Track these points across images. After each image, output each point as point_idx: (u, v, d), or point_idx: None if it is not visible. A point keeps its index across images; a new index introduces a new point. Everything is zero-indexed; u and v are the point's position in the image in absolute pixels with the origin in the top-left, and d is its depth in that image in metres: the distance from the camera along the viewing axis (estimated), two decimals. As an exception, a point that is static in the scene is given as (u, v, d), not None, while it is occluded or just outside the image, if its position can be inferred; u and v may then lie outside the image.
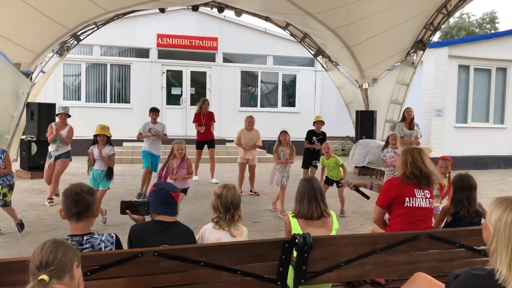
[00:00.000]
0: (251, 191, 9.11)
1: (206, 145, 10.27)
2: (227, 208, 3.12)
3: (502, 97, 14.67)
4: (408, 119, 9.48)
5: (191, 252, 2.62)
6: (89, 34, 11.76)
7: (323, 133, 9.02)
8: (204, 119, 10.05)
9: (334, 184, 7.52)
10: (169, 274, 2.60)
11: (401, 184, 3.71)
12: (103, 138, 6.52)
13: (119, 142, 14.62)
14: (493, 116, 14.59)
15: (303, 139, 9.15)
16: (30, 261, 1.81)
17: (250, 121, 9.04)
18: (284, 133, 7.50)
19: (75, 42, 11.72)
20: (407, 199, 3.64)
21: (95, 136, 6.56)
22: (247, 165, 9.09)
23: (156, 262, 2.56)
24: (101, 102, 15.52)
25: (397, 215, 3.69)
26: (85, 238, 2.57)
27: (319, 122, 8.98)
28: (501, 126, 14.64)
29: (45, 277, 1.72)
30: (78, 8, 8.84)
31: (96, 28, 11.68)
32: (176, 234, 2.94)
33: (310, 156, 8.94)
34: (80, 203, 2.58)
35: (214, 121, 10.41)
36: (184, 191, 6.50)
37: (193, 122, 10.35)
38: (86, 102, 15.32)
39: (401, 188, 3.70)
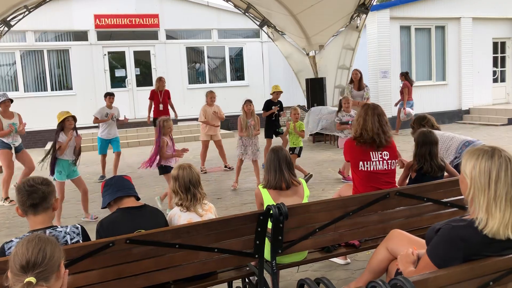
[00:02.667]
0: (225, 166, 9.03)
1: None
2: (187, 188, 3.01)
3: (443, 55, 15.20)
4: (355, 81, 9.55)
5: (165, 236, 2.52)
6: (20, 19, 11.00)
7: (280, 102, 9.06)
8: (162, 96, 10.07)
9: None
10: (143, 261, 2.49)
11: (357, 146, 3.69)
12: (72, 122, 5.79)
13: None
14: (435, 73, 15.13)
15: (256, 112, 9.08)
16: (12, 260, 1.65)
17: (211, 96, 8.93)
18: (248, 102, 7.40)
19: (6, 29, 10.94)
20: (360, 163, 3.64)
21: (61, 122, 5.76)
22: (210, 142, 8.97)
23: (129, 249, 2.45)
24: (41, 91, 14.69)
25: (357, 178, 3.74)
26: (47, 231, 2.40)
27: (278, 93, 8.98)
28: (443, 83, 15.23)
29: (32, 279, 1.58)
30: (6, -9, 8.23)
31: (27, 12, 10.94)
32: (147, 218, 2.81)
33: (271, 125, 8.96)
34: (35, 194, 2.40)
35: (170, 98, 10.37)
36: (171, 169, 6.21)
37: (149, 99, 10.22)
38: (24, 92, 14.44)
39: (356, 150, 3.68)
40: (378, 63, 13.93)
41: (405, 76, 12.52)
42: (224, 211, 6.04)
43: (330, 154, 10.05)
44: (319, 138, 12.16)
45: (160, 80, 10.13)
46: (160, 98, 10.04)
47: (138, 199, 2.89)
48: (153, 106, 10.11)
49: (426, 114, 4.82)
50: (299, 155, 7.54)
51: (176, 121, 14.62)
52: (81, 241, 2.46)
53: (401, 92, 12.37)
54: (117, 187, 2.82)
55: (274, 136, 8.93)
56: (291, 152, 7.62)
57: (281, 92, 9.05)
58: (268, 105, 9.02)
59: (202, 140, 9.02)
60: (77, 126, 6.01)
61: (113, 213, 2.79)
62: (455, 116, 15.29)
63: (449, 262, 1.91)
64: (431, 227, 2.12)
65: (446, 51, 15.13)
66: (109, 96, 8.76)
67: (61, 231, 2.43)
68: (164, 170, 6.07)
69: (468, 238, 1.91)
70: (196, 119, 15.47)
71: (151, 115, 10.09)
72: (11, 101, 7.33)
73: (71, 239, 2.43)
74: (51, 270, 1.65)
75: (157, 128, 6.17)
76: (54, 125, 6.65)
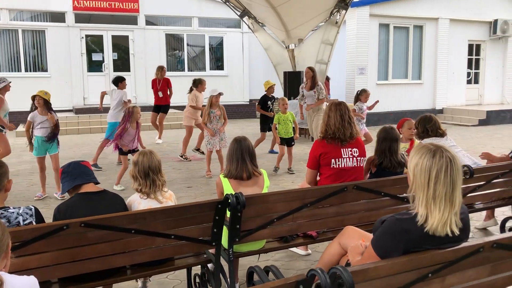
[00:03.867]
0: (197, 149, 9.04)
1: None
2: (146, 174, 3.02)
3: (419, 54, 15.44)
4: (307, 80, 9.38)
5: (120, 220, 2.53)
6: (-6, -3, 10.72)
7: (273, 97, 9.50)
8: (160, 84, 10.56)
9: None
10: (98, 244, 2.51)
11: (327, 144, 3.72)
12: (40, 100, 5.96)
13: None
14: (411, 72, 15.36)
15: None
16: None
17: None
18: (219, 95, 7.38)
19: (-22, 6, 10.66)
20: (333, 160, 3.66)
21: (32, 100, 6.06)
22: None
23: (84, 233, 2.46)
24: (15, 71, 14.37)
25: (326, 176, 3.73)
26: (-1, 212, 2.39)
27: (271, 88, 9.40)
28: (419, 82, 15.48)
29: None
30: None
31: (1, -10, 10.66)
32: (105, 203, 2.81)
33: (266, 119, 9.36)
34: None
35: (171, 86, 10.80)
36: (135, 151, 6.63)
37: (152, 88, 10.84)
38: (-3, 72, 14.14)
39: (327, 147, 3.70)
40: (356, 59, 14.07)
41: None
42: (193, 199, 6.06)
43: (305, 147, 10.14)
44: (294, 131, 12.22)
45: (162, 69, 10.58)
46: (159, 86, 10.56)
47: (96, 184, 2.89)
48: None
49: (432, 115, 4.65)
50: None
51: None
52: (34, 223, 2.46)
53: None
54: (75, 174, 2.81)
55: (267, 130, 9.24)
56: (285, 144, 7.72)
57: (274, 85, 9.51)
58: (264, 100, 9.34)
59: (186, 126, 8.96)
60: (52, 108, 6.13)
61: (70, 198, 2.78)
62: (429, 115, 15.55)
63: (390, 253, 1.99)
64: (379, 219, 2.19)
65: (423, 50, 15.37)
66: (124, 80, 8.86)
67: (13, 212, 2.42)
68: (121, 151, 6.75)
69: (410, 231, 1.99)
70: (176, 107, 15.39)
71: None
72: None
73: (23, 220, 2.43)
74: (1, 251, 1.64)
75: (126, 115, 6.60)
76: (27, 107, 6.67)
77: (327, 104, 3.95)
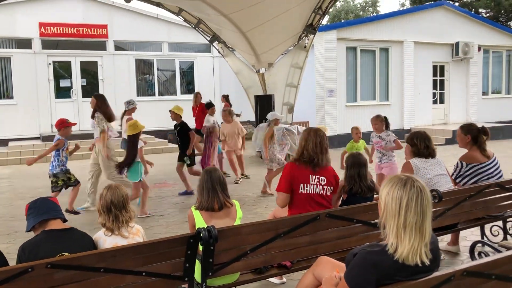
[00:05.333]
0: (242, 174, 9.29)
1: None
2: (108, 209, 2.96)
3: (386, 76, 15.85)
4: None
5: (89, 259, 2.45)
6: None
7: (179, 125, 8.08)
8: (197, 111, 11.05)
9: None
10: (66, 285, 2.41)
11: (298, 167, 3.71)
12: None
13: (4, 142, 13.39)
14: (379, 94, 15.72)
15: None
16: None
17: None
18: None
19: None
20: (301, 185, 3.66)
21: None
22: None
23: (50, 274, 2.36)
24: (-21, 99, 14.03)
25: (294, 201, 3.72)
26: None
27: (172, 113, 8.08)
28: (387, 103, 15.84)
29: None
30: None
31: (-35, 17, 10.45)
32: (73, 241, 2.73)
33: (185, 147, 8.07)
34: None
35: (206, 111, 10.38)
36: None
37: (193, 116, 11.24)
38: (-40, 99, 13.75)
39: (297, 171, 3.70)
40: (325, 82, 14.32)
41: (226, 98, 12.88)
42: (164, 229, 5.96)
43: (276, 171, 10.15)
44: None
45: (196, 96, 11.31)
46: (195, 112, 11.13)
47: (65, 221, 2.81)
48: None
49: (423, 131, 4.49)
50: None
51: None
52: (-3, 266, 2.35)
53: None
54: (42, 209, 2.73)
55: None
56: None
57: (174, 112, 8.05)
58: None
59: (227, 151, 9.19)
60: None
61: (36, 235, 2.68)
62: (398, 135, 15.74)
63: (363, 286, 1.99)
64: (351, 251, 2.19)
65: (390, 72, 15.80)
66: (212, 107, 9.21)
67: (-26, 256, 2.32)
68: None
69: (380, 263, 2.00)
70: (144, 132, 15.17)
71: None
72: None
73: (-15, 265, 2.32)
74: None
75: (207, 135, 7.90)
76: None
77: (305, 129, 3.99)
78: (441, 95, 17.37)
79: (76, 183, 6.68)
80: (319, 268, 2.70)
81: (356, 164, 3.90)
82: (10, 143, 13.03)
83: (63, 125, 6.60)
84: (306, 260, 3.40)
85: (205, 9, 10.17)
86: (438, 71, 17.09)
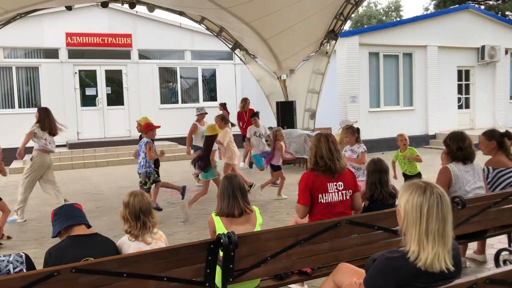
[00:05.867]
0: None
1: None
2: (137, 216, 3.00)
3: (410, 81, 15.67)
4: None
5: (112, 265, 2.50)
6: (-12, 36, 10.86)
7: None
8: (246, 116, 11.42)
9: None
10: (90, 290, 2.47)
11: (315, 177, 3.65)
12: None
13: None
14: (403, 99, 15.54)
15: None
16: None
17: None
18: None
19: (-27, 45, 10.78)
20: (320, 195, 3.61)
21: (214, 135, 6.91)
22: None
23: (75, 279, 2.42)
24: (9, 108, 14.44)
25: (314, 210, 3.68)
26: (-9, 262, 2.37)
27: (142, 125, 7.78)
28: (410, 108, 15.64)
29: None
30: (-28, 8, 8.14)
31: (-4, 29, 10.82)
32: (97, 246, 2.80)
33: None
34: None
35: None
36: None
37: (237, 120, 11.86)
38: (-9, 108, 14.19)
39: (314, 182, 3.63)
40: (347, 87, 14.24)
41: (223, 106, 13.28)
42: (188, 235, 6.02)
43: (298, 177, 10.13)
44: (289, 160, 12.26)
45: (245, 101, 11.66)
46: (246, 118, 11.44)
47: (89, 227, 2.88)
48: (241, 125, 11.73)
49: (463, 131, 4.21)
50: None
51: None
52: (24, 270, 2.43)
53: None
54: (67, 215, 2.80)
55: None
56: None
57: (140, 124, 7.89)
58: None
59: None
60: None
61: (62, 241, 2.76)
62: (422, 141, 15.68)
63: (382, 292, 1.98)
64: (370, 257, 2.19)
65: (413, 77, 15.61)
66: (256, 116, 9.68)
67: (3, 260, 2.40)
68: (275, 168, 8.23)
69: (400, 269, 1.98)
70: (168, 139, 15.44)
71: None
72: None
73: (14, 268, 2.41)
74: None
75: (272, 137, 8.32)
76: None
77: (315, 134, 3.96)
78: (467, 99, 17.05)
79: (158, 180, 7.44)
80: (339, 274, 2.70)
81: (377, 171, 3.87)
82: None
83: (150, 128, 7.20)
84: (326, 267, 3.39)
85: (227, 17, 10.28)
86: (463, 75, 16.80)
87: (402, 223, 2.07)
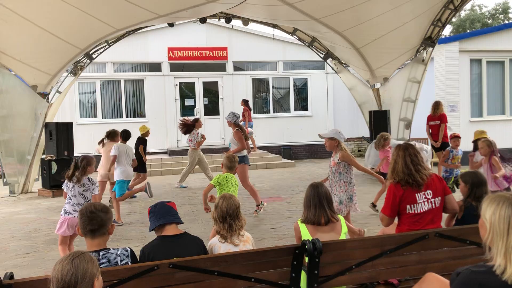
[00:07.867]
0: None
1: None
2: (224, 218, 3.20)
3: (517, 88, 14.50)
4: None
5: (204, 263, 2.72)
6: (101, 52, 12.05)
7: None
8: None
9: None
10: (184, 285, 2.70)
11: (402, 189, 3.57)
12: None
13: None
14: (509, 108, 14.42)
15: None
16: (51, 280, 1.87)
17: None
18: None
19: (88, 61, 12.03)
20: (408, 206, 3.54)
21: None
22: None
23: (172, 274, 2.67)
24: (117, 117, 15.80)
25: (402, 220, 3.63)
26: (101, 253, 2.69)
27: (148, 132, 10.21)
28: (518, 117, 14.46)
29: None
30: (89, 29, 9.11)
31: (107, 46, 11.96)
32: (185, 246, 3.02)
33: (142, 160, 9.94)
34: (94, 220, 2.72)
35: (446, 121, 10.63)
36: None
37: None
38: (102, 118, 15.63)
39: (402, 194, 3.56)
40: (446, 96, 13.55)
41: (245, 103, 14.45)
42: (276, 241, 6.16)
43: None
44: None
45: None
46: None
47: (180, 223, 3.14)
48: None
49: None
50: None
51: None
52: (129, 263, 2.73)
53: (243, 115, 14.08)
54: (160, 214, 3.09)
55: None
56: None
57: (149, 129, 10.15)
58: (145, 142, 9.96)
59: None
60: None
61: (153, 240, 3.07)
62: (532, 153, 14.37)
63: (467, 307, 1.94)
64: (455, 271, 2.15)
65: (522, 84, 14.43)
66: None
67: (113, 253, 2.72)
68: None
69: (486, 284, 1.93)
70: (262, 148, 15.82)
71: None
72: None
73: (121, 261, 2.71)
74: None
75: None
76: None
77: (395, 146, 3.86)
78: None
79: None
80: (425, 284, 2.66)
81: (484, 183, 3.70)
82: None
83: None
84: (414, 279, 3.32)
85: (319, 27, 10.39)
86: None
87: (487, 236, 2.01)
